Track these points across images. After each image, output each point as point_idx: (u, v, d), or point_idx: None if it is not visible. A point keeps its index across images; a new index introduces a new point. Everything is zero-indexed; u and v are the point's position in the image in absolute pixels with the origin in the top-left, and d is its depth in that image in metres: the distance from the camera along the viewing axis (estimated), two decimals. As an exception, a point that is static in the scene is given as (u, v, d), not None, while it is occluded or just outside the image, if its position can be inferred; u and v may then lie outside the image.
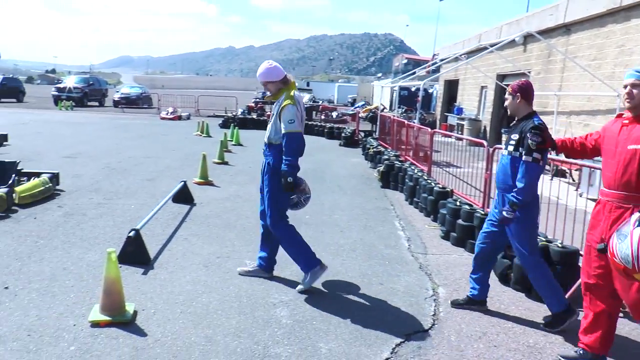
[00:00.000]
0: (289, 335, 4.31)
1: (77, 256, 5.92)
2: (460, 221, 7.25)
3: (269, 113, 27.91)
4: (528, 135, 4.45)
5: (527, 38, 17.44)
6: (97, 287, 5.01)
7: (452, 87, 29.12)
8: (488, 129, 21.43)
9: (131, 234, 5.67)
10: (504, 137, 14.35)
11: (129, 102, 35.86)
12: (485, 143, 8.58)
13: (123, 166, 12.04)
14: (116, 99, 36.68)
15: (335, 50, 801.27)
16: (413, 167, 10.76)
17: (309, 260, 5.32)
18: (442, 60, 26.58)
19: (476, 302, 5.10)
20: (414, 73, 23.98)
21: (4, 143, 15.09)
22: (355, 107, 31.64)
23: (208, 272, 5.64)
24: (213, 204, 8.78)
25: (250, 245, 6.61)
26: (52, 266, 5.57)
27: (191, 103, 34.38)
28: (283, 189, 5.07)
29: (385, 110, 26.53)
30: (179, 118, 27.52)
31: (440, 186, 8.76)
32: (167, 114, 27.73)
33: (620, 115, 3.93)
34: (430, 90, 36.32)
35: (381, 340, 4.31)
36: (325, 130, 21.92)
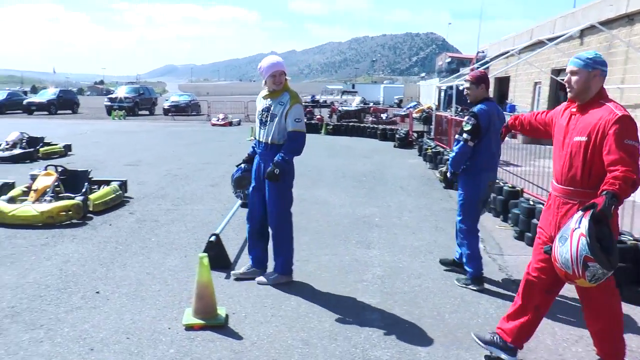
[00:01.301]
0: (385, 338, 4.24)
1: (157, 261, 5.98)
2: (535, 220, 7.06)
3: (319, 117, 27.93)
4: (465, 117, 5.29)
5: (584, 30, 17.00)
6: (183, 292, 5.06)
7: (502, 84, 28.63)
8: (543, 126, 20.94)
9: (212, 238, 5.68)
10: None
11: (178, 110, 36.43)
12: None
13: (184, 172, 12.18)
14: (166, 107, 37.34)
15: (378, 51, 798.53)
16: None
17: (289, 264, 5.41)
18: (491, 57, 26.14)
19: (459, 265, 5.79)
20: (458, 71, 23.61)
21: (69, 153, 15.49)
22: (407, 108, 31.39)
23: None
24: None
25: (326, 249, 6.58)
26: (136, 271, 5.65)
27: (240, 109, 34.68)
28: (267, 176, 5.06)
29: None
30: (230, 124, 27.79)
31: (510, 185, 8.56)
32: (217, 120, 28.04)
33: (571, 101, 3.66)
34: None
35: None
36: (378, 132, 21.77)
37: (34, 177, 8.60)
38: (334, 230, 7.51)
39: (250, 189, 5.42)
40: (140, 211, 8.39)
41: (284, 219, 5.32)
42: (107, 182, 9.24)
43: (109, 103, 36.90)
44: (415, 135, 19.80)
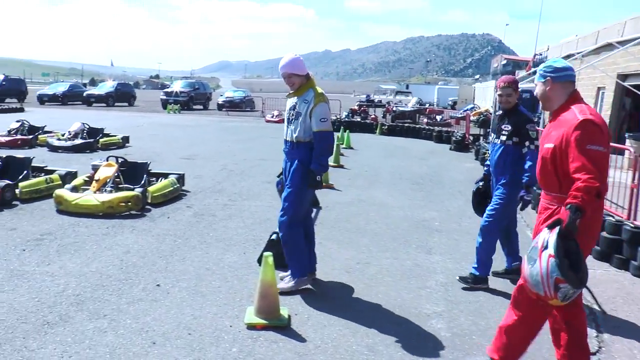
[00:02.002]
0: (452, 349, 4.07)
1: (216, 257, 5.95)
2: (604, 234, 6.73)
3: (373, 116, 27.73)
4: (528, 127, 5.13)
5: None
6: (244, 289, 5.01)
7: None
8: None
9: (273, 236, 5.61)
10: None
11: (232, 106, 36.77)
12: (631, 149, 7.96)
13: (240, 168, 12.21)
14: (220, 102, 37.80)
15: (432, 51, 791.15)
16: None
17: (301, 268, 5.06)
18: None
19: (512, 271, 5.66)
20: (514, 74, 23.00)
21: (126, 144, 15.76)
22: (464, 110, 30.84)
23: (351, 278, 5.49)
24: (339, 208, 8.66)
25: (387, 252, 6.44)
26: (195, 266, 5.63)
27: None
28: (310, 186, 4.87)
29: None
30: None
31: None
32: (272, 117, 28.11)
33: None
34: (535, 92, 34.76)
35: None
36: (434, 133, 21.43)
37: (95, 168, 8.74)
38: (393, 233, 7.36)
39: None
40: (198, 205, 8.41)
41: (292, 227, 4.95)
42: (165, 175, 9.32)
43: (165, 97, 37.53)
44: (472, 138, 19.41)
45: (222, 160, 13.31)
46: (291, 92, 4.99)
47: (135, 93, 44.14)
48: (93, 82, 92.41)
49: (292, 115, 4.95)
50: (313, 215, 7.72)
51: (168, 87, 41.73)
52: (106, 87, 41.08)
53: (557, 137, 3.32)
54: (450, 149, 18.75)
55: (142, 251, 6.07)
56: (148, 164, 9.00)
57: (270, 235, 5.69)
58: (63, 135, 15.43)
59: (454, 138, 19.11)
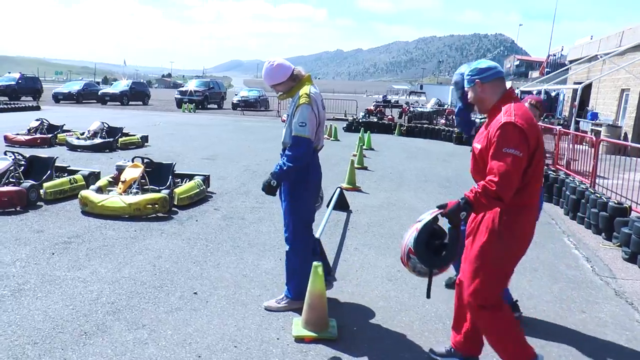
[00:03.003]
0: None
1: (252, 263, 5.76)
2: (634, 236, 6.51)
3: (390, 116, 27.47)
4: None
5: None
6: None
7: (582, 90, 27.39)
8: (630, 135, 19.88)
9: (313, 243, 5.39)
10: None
11: (247, 105, 36.65)
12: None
13: (263, 169, 12.02)
14: (235, 101, 37.75)
15: (444, 52, 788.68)
16: (572, 179, 9.93)
17: (301, 290, 4.42)
18: (570, 61, 25.04)
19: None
20: (527, 75, 22.61)
21: (145, 144, 15.63)
22: None
23: (395, 287, 5.28)
24: (369, 212, 8.45)
25: (425, 258, 6.21)
26: (232, 272, 5.44)
27: None
28: (262, 188, 4.43)
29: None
30: (300, 121, 27.57)
31: (616, 201, 7.92)
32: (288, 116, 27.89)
33: None
34: (552, 94, 34.35)
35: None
36: (454, 135, 21.14)
37: (119, 168, 8.56)
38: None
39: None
40: (225, 207, 8.23)
41: (298, 238, 4.56)
42: (191, 176, 9.15)
43: (179, 96, 37.49)
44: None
45: (244, 161, 13.14)
46: (282, 94, 4.61)
47: (149, 92, 44.17)
48: (106, 81, 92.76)
49: (287, 118, 4.55)
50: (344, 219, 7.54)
51: (183, 87, 41.67)
52: (121, 86, 41.14)
53: (484, 138, 3.31)
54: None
55: (174, 256, 5.89)
56: (173, 165, 8.82)
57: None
58: (82, 134, 15.33)
59: (475, 140, 18.81)
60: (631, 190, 8.42)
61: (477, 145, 3.38)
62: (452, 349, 3.79)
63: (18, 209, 7.67)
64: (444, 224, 3.26)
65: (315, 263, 4.08)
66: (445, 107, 30.68)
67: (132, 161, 8.47)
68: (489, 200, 3.10)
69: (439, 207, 3.21)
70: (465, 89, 3.58)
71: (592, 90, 25.36)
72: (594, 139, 10.46)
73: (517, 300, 4.77)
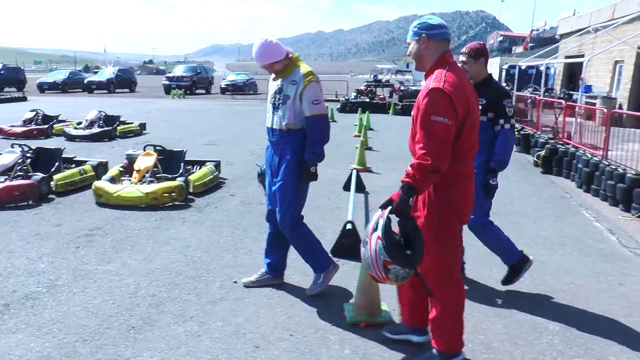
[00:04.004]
0: (570, 345, 3.83)
1: (283, 249, 5.69)
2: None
3: (382, 96, 27.36)
4: (504, 102, 4.53)
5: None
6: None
7: (573, 64, 27.40)
8: (625, 107, 19.96)
9: (349, 226, 5.33)
10: None
11: (235, 89, 36.32)
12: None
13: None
14: (223, 86, 37.38)
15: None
16: (583, 151, 9.93)
17: (323, 261, 4.56)
18: (561, 34, 25.01)
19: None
20: (511, 51, 22.52)
21: (144, 132, 15.45)
22: None
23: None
24: (385, 193, 8.33)
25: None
26: (266, 259, 5.37)
27: None
28: (305, 179, 4.31)
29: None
30: (293, 104, 27.38)
31: (634, 172, 7.93)
32: (280, 99, 27.70)
33: None
34: (541, 68, 34.29)
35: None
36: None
37: (130, 157, 8.44)
38: (449, 217, 7.10)
39: (267, 186, 4.62)
40: (241, 193, 8.14)
41: (296, 227, 4.45)
42: (201, 163, 9.04)
43: (167, 82, 37.05)
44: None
45: (247, 146, 13.02)
46: (275, 76, 4.40)
47: (136, 79, 43.69)
48: (87, 69, 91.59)
49: (279, 99, 4.30)
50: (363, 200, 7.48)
51: (169, 73, 41.22)
52: (107, 73, 40.68)
53: (416, 105, 3.19)
54: (469, 127, 18.43)
55: (203, 245, 5.81)
56: (184, 152, 8.69)
57: (345, 225, 5.42)
58: (79, 124, 15.12)
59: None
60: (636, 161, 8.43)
61: (413, 111, 3.26)
62: (401, 325, 3.77)
63: (30, 202, 7.53)
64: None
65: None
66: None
67: (144, 149, 8.33)
68: (428, 176, 2.96)
69: (385, 206, 3.05)
70: (408, 40, 3.34)
71: (584, 63, 25.36)
72: (605, 111, 10.44)
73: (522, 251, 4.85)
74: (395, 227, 3.04)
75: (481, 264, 5.42)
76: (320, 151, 4.28)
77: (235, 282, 4.80)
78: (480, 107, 4.42)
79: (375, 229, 2.98)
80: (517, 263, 4.78)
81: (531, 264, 4.82)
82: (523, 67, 33.07)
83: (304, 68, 4.29)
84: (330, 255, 4.81)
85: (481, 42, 4.79)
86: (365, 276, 3.96)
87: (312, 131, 4.24)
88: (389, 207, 3.01)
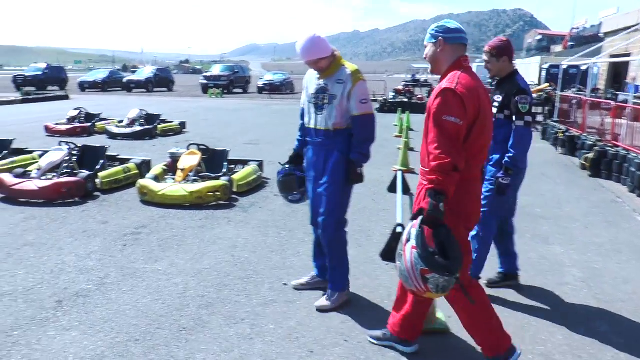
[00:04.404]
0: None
1: (330, 250, 5.61)
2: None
3: (420, 96, 27.07)
4: (517, 99, 4.33)
5: None
6: (379, 288, 4.73)
7: (618, 63, 26.72)
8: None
9: (399, 229, 5.21)
10: None
11: (272, 89, 36.39)
12: None
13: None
14: (260, 85, 37.53)
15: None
16: (636, 154, 9.62)
17: (346, 279, 4.40)
18: (605, 32, 24.32)
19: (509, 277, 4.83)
20: (549, 50, 21.93)
21: (184, 130, 15.54)
22: None
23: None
24: (431, 194, 8.23)
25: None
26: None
27: None
28: (351, 181, 4.18)
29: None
30: (330, 103, 27.26)
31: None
32: (318, 99, 27.63)
33: None
34: (583, 68, 33.47)
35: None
36: (491, 113, 20.74)
37: (173, 156, 8.45)
38: (498, 220, 6.93)
39: (310, 188, 4.43)
40: (285, 193, 8.08)
41: (340, 228, 4.30)
42: (244, 162, 9.02)
43: (205, 81, 37.38)
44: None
45: (288, 145, 12.78)
46: (321, 75, 4.22)
47: (174, 78, 44.18)
48: (125, 69, 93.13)
49: (323, 99, 4.15)
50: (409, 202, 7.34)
51: (207, 72, 41.57)
52: (145, 73, 41.22)
53: (428, 106, 3.16)
54: (510, 128, 18.04)
55: (249, 245, 5.77)
56: (228, 152, 8.69)
57: (395, 228, 5.29)
58: (120, 122, 15.28)
59: (513, 117, 18.36)
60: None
61: (424, 115, 3.25)
62: (388, 332, 3.66)
63: (76, 199, 7.61)
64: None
65: (420, 253, 3.90)
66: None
67: (188, 149, 8.34)
68: (450, 175, 2.91)
69: (415, 217, 2.99)
70: (425, 43, 3.35)
71: (631, 62, 24.70)
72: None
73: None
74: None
75: (534, 270, 5.24)
76: (367, 151, 4.18)
77: (285, 284, 4.74)
78: (497, 104, 4.44)
79: (408, 240, 2.91)
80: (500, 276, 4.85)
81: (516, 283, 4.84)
82: (564, 67, 32.45)
83: (350, 66, 4.18)
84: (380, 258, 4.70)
85: (503, 38, 4.63)
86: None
87: (359, 131, 4.14)
88: (420, 217, 2.93)
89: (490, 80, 4.45)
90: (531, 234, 6.44)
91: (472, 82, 3.10)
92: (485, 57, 4.60)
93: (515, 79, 4.50)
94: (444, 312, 4.05)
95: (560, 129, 13.95)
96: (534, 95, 21.75)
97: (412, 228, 2.93)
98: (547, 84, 22.86)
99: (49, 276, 4.91)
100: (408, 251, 2.88)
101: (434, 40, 3.25)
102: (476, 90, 3.10)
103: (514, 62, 4.68)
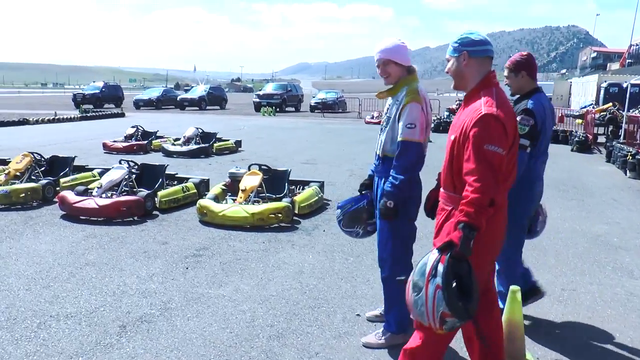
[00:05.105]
0: None
1: (402, 279, 5.31)
2: None
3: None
4: (518, 119, 3.77)
5: None
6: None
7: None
8: None
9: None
10: None
11: (325, 107, 36.31)
12: None
13: (367, 173, 11.55)
14: (312, 104, 37.52)
15: (514, 47, 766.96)
16: None
17: (401, 320, 3.91)
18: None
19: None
20: (605, 67, 21.11)
21: (239, 149, 15.50)
22: (583, 107, 29.02)
23: (567, 310, 4.70)
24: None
25: (584, 275, 5.62)
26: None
27: None
28: (381, 215, 3.76)
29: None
30: (384, 122, 26.96)
31: None
32: (372, 117, 27.38)
33: None
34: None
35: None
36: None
37: (233, 176, 8.30)
38: (575, 250, 6.51)
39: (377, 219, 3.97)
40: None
41: (398, 261, 3.87)
42: (305, 183, 8.82)
43: (258, 100, 37.62)
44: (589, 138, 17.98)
45: (345, 165, 12.75)
46: (382, 91, 3.93)
47: (227, 96, 44.68)
48: (178, 87, 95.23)
49: (384, 121, 3.86)
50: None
51: (260, 90, 41.87)
52: (198, 91, 41.83)
53: (459, 128, 2.88)
54: (572, 150, 17.38)
55: (316, 272, 5.52)
56: (289, 172, 8.50)
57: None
58: (176, 140, 15.35)
59: (576, 138, 17.71)
60: None
61: (452, 136, 2.94)
62: None
63: (135, 218, 7.53)
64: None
65: (513, 287, 3.58)
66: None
67: (249, 169, 8.18)
68: (485, 210, 2.66)
69: (443, 250, 2.63)
70: (447, 56, 3.08)
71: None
72: None
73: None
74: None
75: (624, 308, 4.82)
76: (402, 183, 3.64)
77: (358, 315, 4.47)
78: None
79: (433, 275, 2.59)
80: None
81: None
82: (626, 85, 31.33)
83: (411, 86, 3.77)
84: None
85: (524, 54, 4.35)
86: (514, 320, 3.53)
87: (397, 158, 3.69)
88: (449, 252, 2.61)
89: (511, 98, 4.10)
90: (612, 266, 5.99)
91: (508, 103, 2.91)
92: (505, 73, 4.36)
93: (530, 98, 4.19)
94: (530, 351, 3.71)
95: (630, 151, 13.28)
96: (596, 115, 21.11)
97: (439, 264, 2.60)
98: (610, 104, 22.02)
99: (112, 298, 4.77)
100: (431, 289, 2.58)
101: (457, 54, 3.01)
102: (513, 112, 2.94)
103: (537, 79, 4.41)
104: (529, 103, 4.11)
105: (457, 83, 3.09)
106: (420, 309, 2.64)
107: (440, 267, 2.59)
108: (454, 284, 2.56)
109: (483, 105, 2.80)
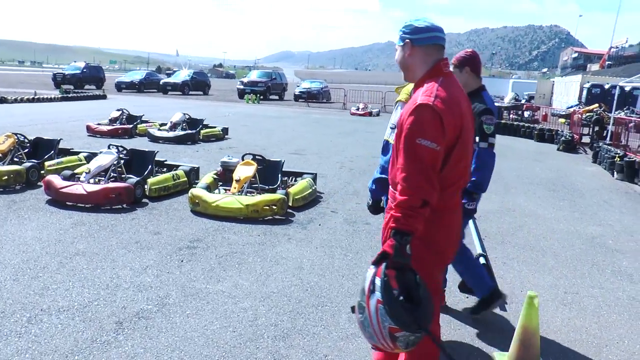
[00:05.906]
0: None
1: (405, 278, 5.20)
2: None
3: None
4: (482, 119, 3.97)
5: None
6: (465, 324, 4.22)
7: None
8: None
9: (481, 260, 4.78)
10: None
11: (309, 97, 36.10)
12: None
13: (359, 166, 11.45)
14: (297, 93, 37.31)
15: (497, 44, 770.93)
16: None
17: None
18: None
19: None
20: (585, 68, 21.21)
21: (226, 136, 15.28)
22: (570, 107, 29.06)
23: (574, 314, 4.63)
24: (492, 218, 7.74)
25: (584, 279, 5.57)
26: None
27: (377, 99, 33.08)
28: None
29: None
30: (370, 114, 26.86)
31: None
32: (357, 109, 27.25)
33: None
34: (627, 89, 32.37)
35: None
36: (535, 132, 20.11)
37: (225, 165, 8.11)
38: (573, 253, 6.45)
39: None
40: (343, 210, 7.70)
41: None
42: (298, 175, 8.66)
43: (242, 87, 37.33)
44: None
45: (335, 157, 12.60)
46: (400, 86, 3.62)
47: (210, 82, 44.21)
48: (159, 70, 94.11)
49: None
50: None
51: (245, 77, 41.51)
52: (182, 75, 41.32)
53: (399, 120, 2.64)
54: (558, 149, 17.40)
55: (316, 268, 5.38)
56: (282, 163, 8.33)
57: (477, 257, 4.87)
58: (162, 125, 15.08)
59: (562, 138, 17.75)
60: None
61: (395, 129, 2.73)
62: None
63: (124, 205, 7.32)
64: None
65: (530, 293, 3.47)
66: (522, 101, 29.58)
67: (242, 159, 8.00)
68: (417, 211, 2.42)
69: (377, 263, 2.42)
70: (395, 46, 2.82)
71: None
72: None
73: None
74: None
75: (628, 313, 4.76)
76: (371, 185, 3.59)
77: (363, 315, 4.34)
78: None
79: (372, 291, 2.38)
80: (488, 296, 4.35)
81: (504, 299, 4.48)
82: (607, 87, 31.53)
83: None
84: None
85: (469, 51, 4.30)
86: (530, 326, 3.43)
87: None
88: (384, 263, 2.40)
89: None
90: (611, 269, 5.95)
91: (454, 95, 2.61)
92: (450, 69, 4.21)
93: (481, 96, 4.18)
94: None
95: (617, 153, 13.31)
96: (583, 116, 21.18)
97: (376, 277, 2.39)
98: (596, 105, 22.12)
99: (105, 292, 4.58)
100: (373, 306, 2.36)
101: (401, 43, 2.76)
102: (458, 104, 2.61)
103: (481, 76, 4.38)
104: (488, 102, 4.13)
105: (405, 74, 2.83)
106: (368, 330, 2.42)
107: (378, 281, 2.38)
108: (401, 297, 2.36)
109: (421, 95, 2.56)
